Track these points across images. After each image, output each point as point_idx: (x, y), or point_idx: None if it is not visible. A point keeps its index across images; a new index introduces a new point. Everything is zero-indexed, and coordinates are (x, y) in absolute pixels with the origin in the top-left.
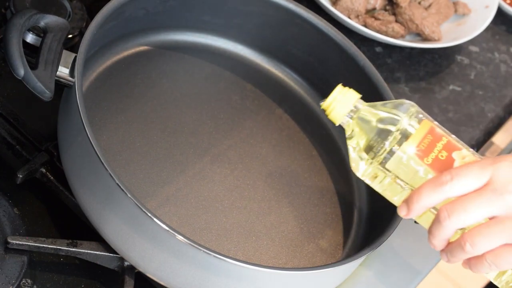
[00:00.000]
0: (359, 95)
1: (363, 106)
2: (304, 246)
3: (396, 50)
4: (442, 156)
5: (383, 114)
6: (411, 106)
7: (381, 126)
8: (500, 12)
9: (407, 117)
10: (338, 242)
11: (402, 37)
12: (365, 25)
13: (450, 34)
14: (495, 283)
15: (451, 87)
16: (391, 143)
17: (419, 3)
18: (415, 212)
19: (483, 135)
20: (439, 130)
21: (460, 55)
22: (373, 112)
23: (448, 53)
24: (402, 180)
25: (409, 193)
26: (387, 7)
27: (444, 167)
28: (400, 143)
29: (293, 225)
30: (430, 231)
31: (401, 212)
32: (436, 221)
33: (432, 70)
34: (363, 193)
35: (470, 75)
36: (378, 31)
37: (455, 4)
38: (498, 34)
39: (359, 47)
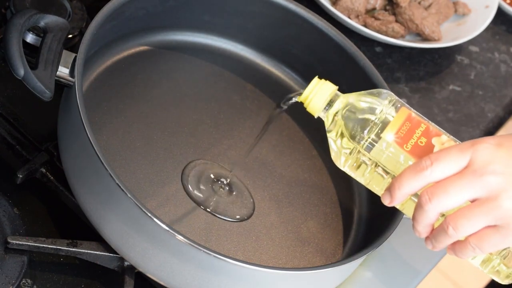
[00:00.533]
0: (336, 87)
1: (341, 97)
2: (304, 246)
3: (396, 50)
4: (421, 142)
5: (362, 104)
6: (388, 95)
7: (360, 116)
8: (500, 12)
9: (385, 105)
10: (338, 242)
11: (402, 37)
12: (365, 25)
13: (450, 34)
14: (482, 269)
15: (451, 87)
16: (370, 132)
17: (419, 3)
18: (397, 200)
19: (483, 135)
20: (417, 117)
21: (460, 55)
22: (351, 103)
23: (448, 53)
24: (384, 169)
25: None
26: (387, 7)
27: (424, 153)
28: (379, 132)
29: (293, 225)
30: (413, 217)
31: (385, 201)
32: (418, 206)
33: (432, 70)
34: (363, 193)
35: (470, 75)
36: (378, 31)
37: (455, 4)
38: (498, 34)
39: (359, 47)
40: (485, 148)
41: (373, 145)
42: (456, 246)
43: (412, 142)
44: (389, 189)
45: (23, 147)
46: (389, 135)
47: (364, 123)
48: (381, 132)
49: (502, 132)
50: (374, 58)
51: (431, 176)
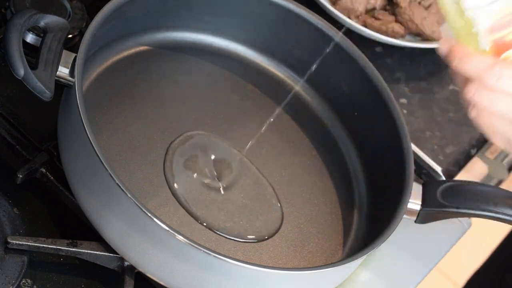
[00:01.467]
0: None
1: None
2: (304, 246)
3: (396, 50)
4: None
5: None
6: None
7: None
8: None
9: None
10: (338, 242)
11: (402, 37)
12: (365, 25)
13: (450, 34)
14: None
15: (451, 87)
16: None
17: (419, 3)
18: (454, 61)
19: (483, 135)
20: None
21: None
22: None
23: None
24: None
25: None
26: (387, 7)
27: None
28: None
29: (293, 225)
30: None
31: (442, 51)
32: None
33: (432, 70)
34: (363, 193)
35: None
36: (378, 31)
37: None
38: None
39: (359, 47)
40: None
41: None
42: None
43: None
44: (454, 51)
45: (23, 147)
46: None
47: None
48: None
49: None
50: (374, 58)
51: (496, 84)
